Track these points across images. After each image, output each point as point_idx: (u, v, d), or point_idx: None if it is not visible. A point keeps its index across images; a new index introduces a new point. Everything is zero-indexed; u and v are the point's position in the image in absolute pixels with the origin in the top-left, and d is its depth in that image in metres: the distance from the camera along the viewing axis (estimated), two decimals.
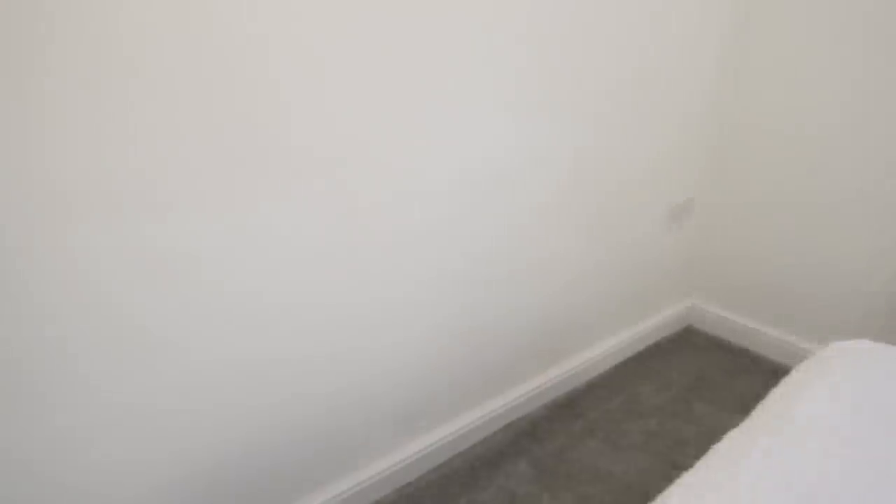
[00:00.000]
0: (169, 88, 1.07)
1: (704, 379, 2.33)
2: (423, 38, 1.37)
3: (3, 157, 0.95)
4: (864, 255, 2.08)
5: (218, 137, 1.15)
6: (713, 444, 1.95)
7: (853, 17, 1.91)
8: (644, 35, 1.85)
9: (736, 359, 2.45)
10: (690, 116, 2.18)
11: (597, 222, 2.03)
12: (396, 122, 1.40)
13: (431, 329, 1.71)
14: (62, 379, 1.13)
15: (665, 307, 2.55)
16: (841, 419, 1.21)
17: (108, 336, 1.15)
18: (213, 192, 1.18)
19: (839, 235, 2.12)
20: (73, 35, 0.96)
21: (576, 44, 1.68)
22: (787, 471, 1.09)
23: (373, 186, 1.42)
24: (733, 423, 2.07)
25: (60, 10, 0.94)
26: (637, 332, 2.43)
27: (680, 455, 1.94)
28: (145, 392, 1.24)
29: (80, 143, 1.01)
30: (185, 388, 1.29)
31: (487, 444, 1.98)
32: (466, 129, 1.55)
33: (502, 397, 2.02)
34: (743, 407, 2.18)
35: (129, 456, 1.27)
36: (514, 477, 1.86)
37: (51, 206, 1.02)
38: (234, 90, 1.14)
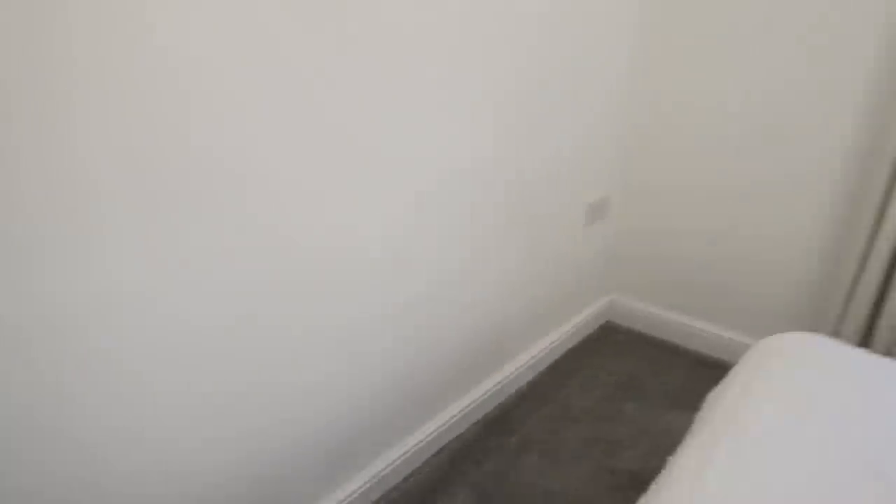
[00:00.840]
0: None
1: (630, 376, 2.31)
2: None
3: None
4: (782, 245, 2.13)
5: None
6: (648, 444, 1.95)
7: (755, 7, 1.94)
8: (552, 36, 1.79)
9: (659, 352, 2.46)
10: (602, 116, 2.16)
11: (516, 229, 1.95)
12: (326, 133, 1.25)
13: (355, 360, 1.57)
14: None
15: (586, 306, 2.53)
16: (795, 421, 1.18)
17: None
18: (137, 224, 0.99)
19: (756, 225, 2.16)
20: None
21: (490, 48, 1.59)
22: (750, 490, 1.04)
23: (293, 217, 1.26)
24: (665, 420, 2.08)
25: None
26: (561, 334, 2.39)
27: (618, 461, 1.90)
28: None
29: None
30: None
31: (424, 473, 1.85)
32: (397, 140, 1.41)
33: (432, 422, 1.90)
34: (672, 402, 2.18)
35: None
36: None
37: None
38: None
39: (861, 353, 1.43)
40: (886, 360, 1.42)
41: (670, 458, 1.25)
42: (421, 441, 1.85)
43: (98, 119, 0.93)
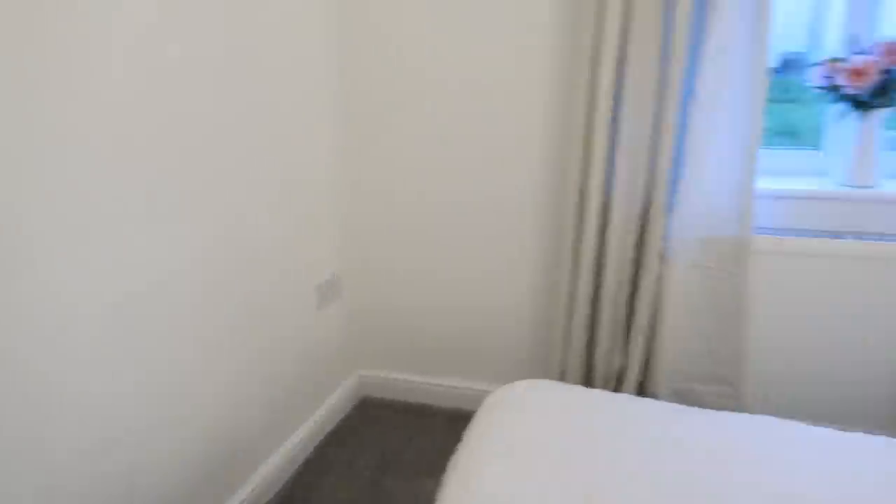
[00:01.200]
0: None
1: (391, 450, 2.23)
2: None
3: None
4: (509, 296, 2.29)
5: None
6: None
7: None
8: (252, 122, 1.77)
9: (416, 418, 2.43)
10: (314, 205, 2.18)
11: (241, 325, 1.81)
12: None
13: None
14: None
15: (334, 389, 2.42)
16: (522, 473, 1.20)
17: None
18: None
19: (481, 279, 2.30)
20: None
21: (188, 142, 1.50)
22: None
23: None
24: (427, 489, 2.00)
25: None
26: (312, 424, 2.23)
27: None
28: None
29: None
30: None
31: None
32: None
33: None
34: (432, 468, 2.13)
35: None
36: None
37: None
38: None
39: (581, 391, 1.53)
40: (604, 395, 1.54)
41: None
42: None
43: None
